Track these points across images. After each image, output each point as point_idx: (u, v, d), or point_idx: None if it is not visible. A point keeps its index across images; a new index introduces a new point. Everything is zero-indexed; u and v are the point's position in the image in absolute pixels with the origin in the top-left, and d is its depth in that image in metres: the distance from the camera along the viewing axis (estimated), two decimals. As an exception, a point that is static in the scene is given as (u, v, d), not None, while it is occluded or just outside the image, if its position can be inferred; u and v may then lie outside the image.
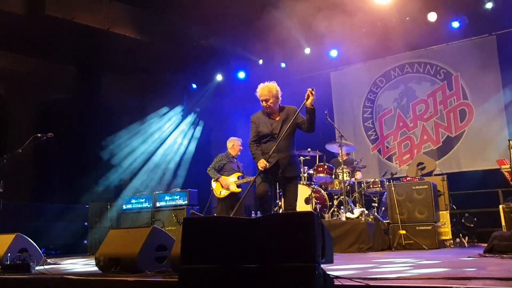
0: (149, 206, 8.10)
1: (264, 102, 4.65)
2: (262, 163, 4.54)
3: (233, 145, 7.07)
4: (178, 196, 7.92)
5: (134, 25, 9.71)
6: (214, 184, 6.99)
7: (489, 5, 8.39)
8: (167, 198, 7.98)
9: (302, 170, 7.28)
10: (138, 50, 9.89)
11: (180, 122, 11.47)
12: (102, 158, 9.78)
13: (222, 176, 6.92)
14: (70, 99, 10.30)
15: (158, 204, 8.03)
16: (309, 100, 4.47)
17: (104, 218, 8.37)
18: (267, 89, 4.65)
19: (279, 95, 4.71)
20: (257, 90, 4.71)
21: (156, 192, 8.34)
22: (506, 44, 8.61)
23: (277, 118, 4.70)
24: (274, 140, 4.61)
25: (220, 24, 9.59)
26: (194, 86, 11.70)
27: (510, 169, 6.31)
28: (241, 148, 7.09)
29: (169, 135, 11.25)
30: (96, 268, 3.90)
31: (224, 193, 6.86)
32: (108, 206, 8.44)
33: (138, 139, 10.65)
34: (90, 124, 9.99)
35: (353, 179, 7.34)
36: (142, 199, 8.24)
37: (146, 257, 3.65)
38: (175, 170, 10.94)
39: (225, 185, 6.85)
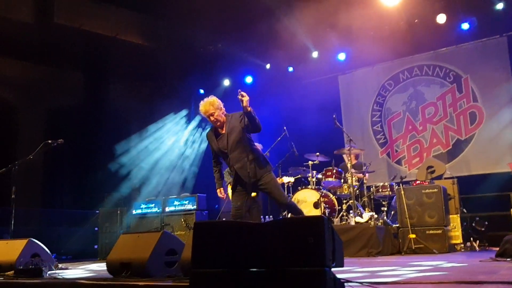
0: (158, 211, 8.12)
1: (210, 117, 4.51)
2: (219, 194, 4.68)
3: None
4: (187, 201, 7.93)
5: (141, 32, 9.79)
6: (229, 188, 6.98)
7: (499, 6, 8.28)
8: (176, 203, 8.00)
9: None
10: (146, 56, 9.97)
11: (187, 127, 11.50)
12: (112, 163, 9.84)
13: None
14: (79, 106, 10.39)
15: (167, 209, 8.05)
16: (244, 103, 4.28)
17: (114, 223, 8.41)
18: (208, 104, 4.52)
19: (222, 106, 4.57)
20: (200, 109, 4.56)
21: (166, 197, 8.36)
22: (517, 45, 8.54)
23: (224, 131, 4.56)
24: (227, 154, 4.51)
25: (226, 29, 9.63)
26: (202, 91, 11.74)
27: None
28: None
29: (178, 141, 11.29)
30: (106, 273, 3.92)
31: None
32: (118, 211, 8.48)
33: (146, 144, 10.70)
34: (99, 130, 10.07)
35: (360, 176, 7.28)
36: (152, 204, 8.27)
37: (156, 261, 3.67)
38: (184, 175, 10.97)
39: None
